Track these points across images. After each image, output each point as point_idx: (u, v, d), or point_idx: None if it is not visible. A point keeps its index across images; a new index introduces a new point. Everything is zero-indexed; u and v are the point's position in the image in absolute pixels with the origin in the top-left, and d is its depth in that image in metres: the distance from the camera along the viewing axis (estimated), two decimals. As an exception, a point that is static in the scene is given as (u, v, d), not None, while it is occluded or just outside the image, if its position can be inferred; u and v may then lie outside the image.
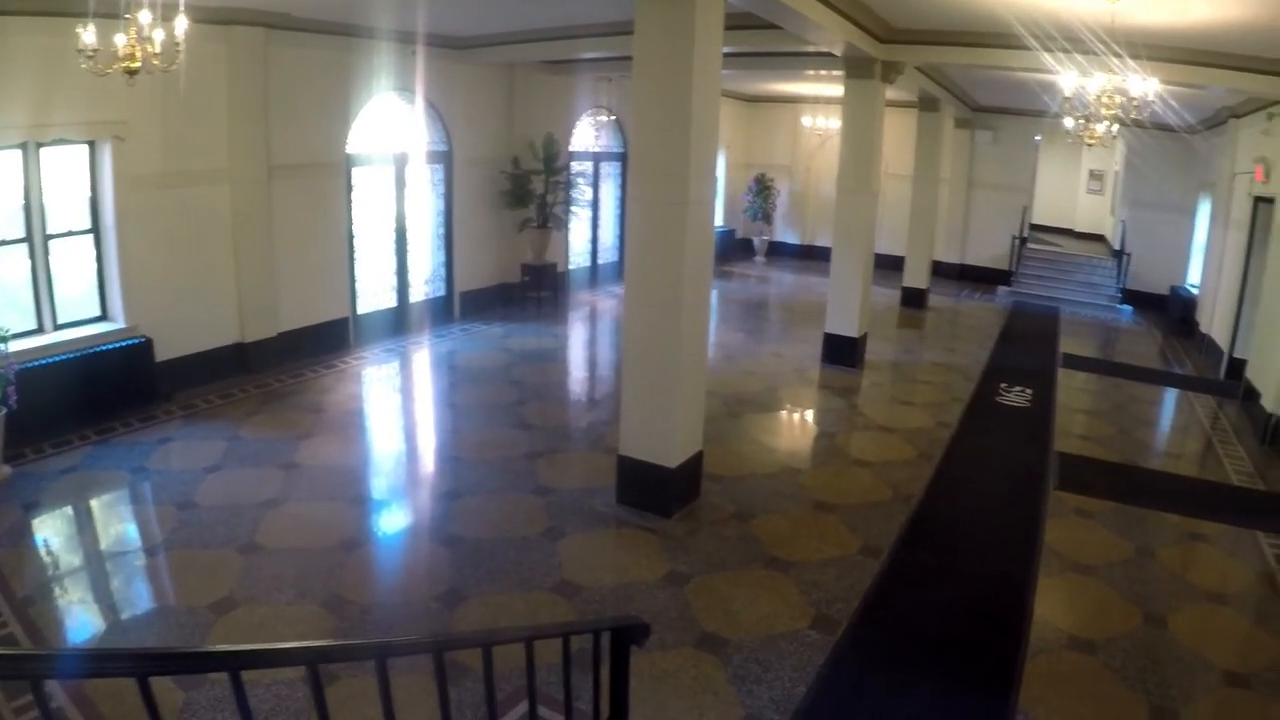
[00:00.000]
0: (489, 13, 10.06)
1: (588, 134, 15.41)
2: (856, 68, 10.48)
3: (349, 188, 10.75)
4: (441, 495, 6.86)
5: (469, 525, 6.19)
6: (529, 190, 12.83)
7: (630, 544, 6.08)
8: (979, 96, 17.77)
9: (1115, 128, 9.93)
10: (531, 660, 2.94)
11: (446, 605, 5.19)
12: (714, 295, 15.89)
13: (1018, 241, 19.53)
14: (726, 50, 10.82)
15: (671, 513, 6.37)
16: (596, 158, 15.58)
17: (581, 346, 12.20)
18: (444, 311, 12.37)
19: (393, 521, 6.55)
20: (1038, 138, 20.00)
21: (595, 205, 15.67)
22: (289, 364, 9.85)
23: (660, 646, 4.77)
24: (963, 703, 4.66)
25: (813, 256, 20.11)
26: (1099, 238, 23.59)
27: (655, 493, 6.37)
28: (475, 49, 11.64)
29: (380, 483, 7.17)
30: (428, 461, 7.67)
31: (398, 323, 11.59)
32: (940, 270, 18.98)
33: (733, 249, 20.69)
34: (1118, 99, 8.19)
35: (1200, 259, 16.20)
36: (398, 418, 8.80)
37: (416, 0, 9.07)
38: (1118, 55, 7.76)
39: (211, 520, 6.22)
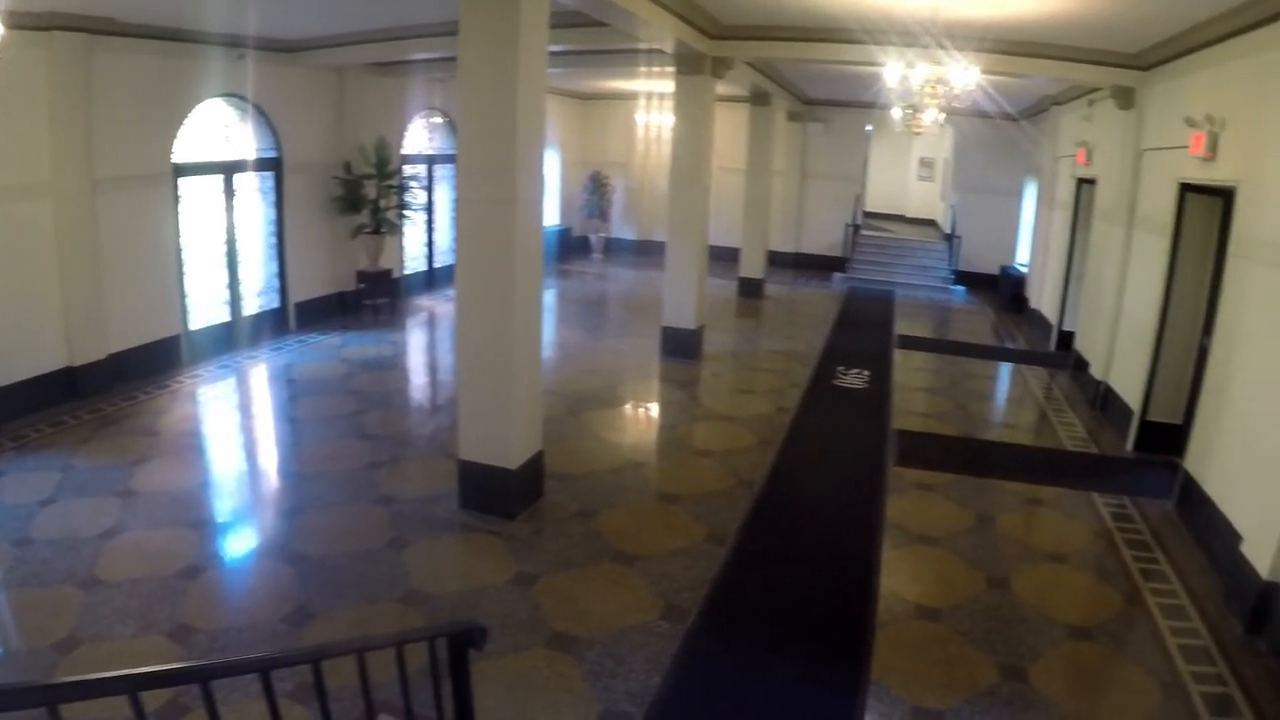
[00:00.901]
0: (318, 14, 9.91)
1: (421, 136, 15.37)
2: (687, 64, 10.86)
3: (176, 198, 10.40)
4: (284, 512, 6.73)
5: (313, 541, 6.16)
6: (362, 195, 12.76)
7: (476, 548, 6.19)
8: (810, 90, 18.62)
9: (942, 117, 10.50)
10: (364, 673, 2.93)
11: (295, 625, 5.16)
12: (552, 294, 16.20)
13: (851, 229, 20.62)
14: (556, 48, 10.91)
15: (516, 514, 6.54)
16: (430, 160, 15.47)
17: (420, 352, 12.12)
18: (279, 323, 12.10)
19: (236, 544, 6.36)
20: (869, 128, 21.11)
21: (430, 208, 15.52)
22: (121, 386, 9.42)
23: (513, 649, 4.89)
24: (816, 678, 4.87)
25: (650, 252, 20.46)
26: (931, 222, 25.09)
27: (498, 495, 6.54)
28: (305, 51, 11.47)
29: (221, 504, 6.92)
30: (268, 479, 7.51)
31: (232, 337, 11.25)
32: (776, 260, 19.89)
33: (570, 247, 20.95)
34: (940, 89, 8.64)
35: (1028, 239, 17.58)
36: (236, 436, 8.50)
37: (244, 2, 8.78)
38: (942, 47, 8.17)
39: (49, 555, 5.89)
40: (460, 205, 6.42)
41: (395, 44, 10.86)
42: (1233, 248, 7.27)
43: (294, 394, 9.56)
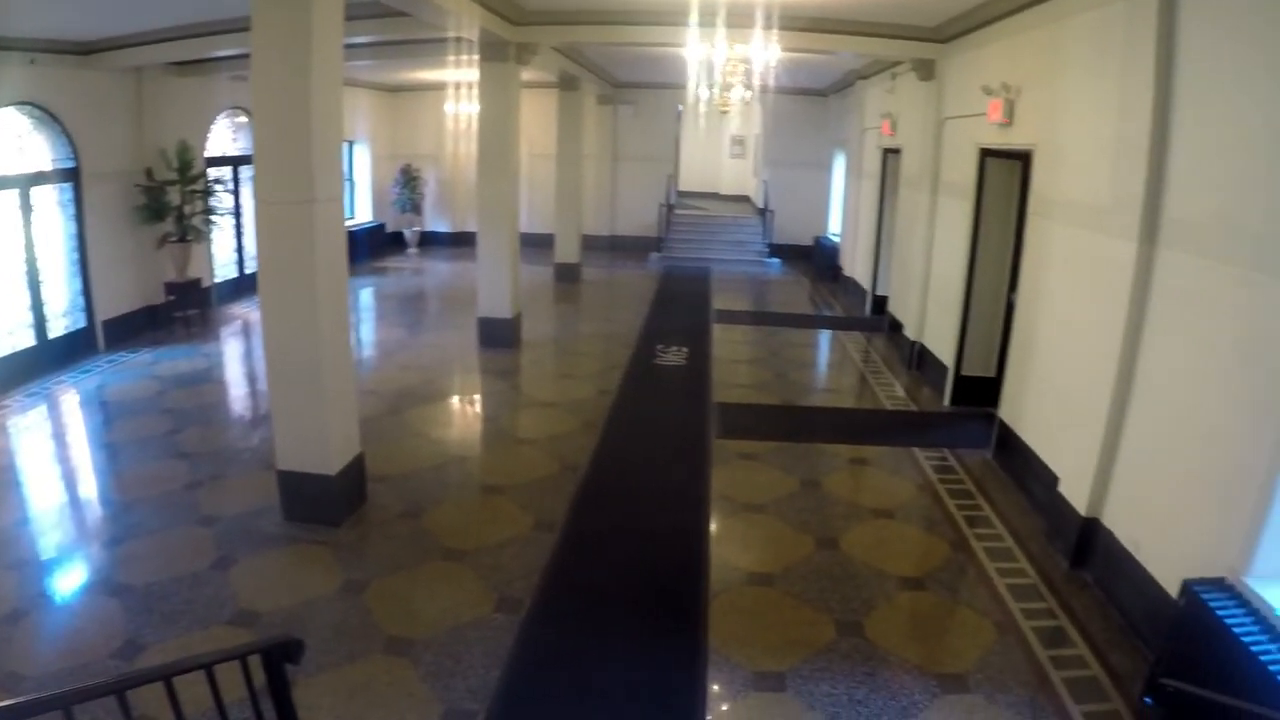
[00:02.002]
0: (112, 12, 9.20)
1: (225, 137, 14.39)
2: (491, 51, 10.74)
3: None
4: (105, 543, 6.17)
5: (136, 570, 5.73)
6: (165, 202, 11.91)
7: (303, 560, 5.92)
8: (619, 73, 18.71)
9: (749, 95, 10.64)
10: (175, 700, 2.82)
11: (126, 659, 4.80)
12: (368, 292, 15.65)
13: (665, 209, 20.79)
14: (359, 40, 10.58)
15: (341, 521, 6.38)
16: (235, 162, 14.48)
17: (236, 363, 11.34)
18: (88, 344, 11.13)
19: (57, 581, 5.75)
20: (679, 109, 21.30)
21: (238, 212, 14.55)
22: (-81, 425, 8.43)
23: (348, 659, 4.77)
24: (655, 654, 4.88)
25: (466, 243, 20.05)
26: (745, 198, 25.65)
27: (320, 503, 6.37)
28: (100, 53, 10.59)
29: (38, 541, 6.25)
30: (87, 509, 6.85)
31: (37, 363, 10.21)
32: (592, 243, 19.95)
33: (384, 244, 20.28)
34: (743, 68, 8.70)
35: (839, 210, 18.22)
36: (49, 467, 7.69)
37: (28, 2, 8.02)
38: (746, 27, 8.22)
39: None
40: (259, 207, 6.13)
41: (194, 42, 10.26)
42: (1031, 207, 7.64)
43: (107, 417, 8.85)
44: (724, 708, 4.51)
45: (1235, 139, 4.64)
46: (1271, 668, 3.53)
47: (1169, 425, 5.09)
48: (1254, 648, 3.66)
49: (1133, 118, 5.51)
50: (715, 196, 26.59)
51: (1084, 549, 5.86)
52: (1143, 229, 5.36)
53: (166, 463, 7.49)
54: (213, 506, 6.65)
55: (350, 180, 19.42)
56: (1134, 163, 5.45)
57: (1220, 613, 3.93)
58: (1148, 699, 2.96)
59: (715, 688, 4.61)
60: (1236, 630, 3.78)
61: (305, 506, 6.37)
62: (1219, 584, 4.19)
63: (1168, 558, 4.91)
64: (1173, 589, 4.42)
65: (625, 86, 20.33)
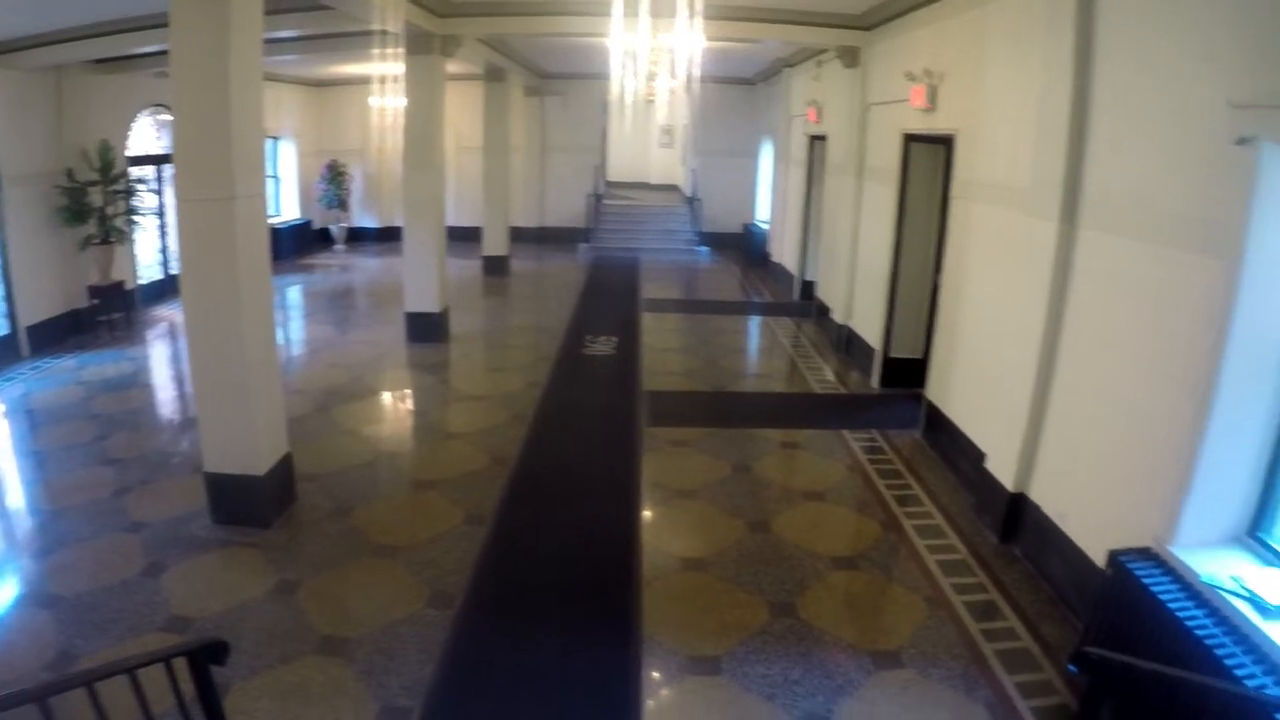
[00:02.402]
0: (30, 9, 8.88)
1: (148, 136, 13.83)
2: (416, 43, 10.56)
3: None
4: (34, 554, 5.91)
5: (66, 581, 5.51)
6: (87, 204, 11.49)
7: (234, 563, 5.76)
8: (546, 64, 18.55)
9: (675, 84, 10.58)
10: (98, 704, 2.76)
11: (58, 671, 4.61)
12: (296, 290, 15.27)
13: (594, 200, 20.69)
14: (282, 34, 10.37)
15: (271, 522, 6.25)
16: (159, 161, 13.94)
17: (163, 366, 10.94)
18: (10, 351, 10.69)
19: None
20: (607, 99, 21.10)
21: (161, 212, 14.05)
22: None
23: (281, 661, 4.66)
24: (589, 643, 4.81)
25: (393, 238, 19.57)
26: (674, 188, 25.62)
27: (250, 505, 6.24)
28: (16, 52, 10.17)
29: None
30: (13, 521, 6.54)
31: None
32: (521, 235, 19.83)
33: (311, 240, 19.77)
34: (667, 57, 8.63)
35: (767, 197, 18.28)
36: None
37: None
38: (672, 15, 8.14)
39: None
40: (180, 205, 5.97)
41: (115, 38, 9.92)
42: (954, 190, 7.71)
43: (32, 425, 8.50)
44: (660, 693, 4.45)
45: (1149, 120, 4.69)
46: (1198, 632, 3.56)
47: (1092, 400, 5.15)
48: (1180, 614, 3.69)
49: (1053, 101, 5.56)
50: (644, 186, 26.53)
51: (1012, 523, 5.92)
52: (1063, 209, 5.41)
53: (94, 469, 7.23)
54: (142, 512, 6.42)
55: (276, 177, 18.97)
56: (1054, 145, 5.50)
57: (1146, 580, 3.97)
58: (1072, 667, 2.97)
59: (651, 674, 4.55)
60: (1162, 597, 3.82)
61: (234, 509, 6.23)
62: (1144, 553, 4.24)
63: (1094, 529, 4.97)
64: (1100, 560, 4.47)
65: (553, 78, 20.14)
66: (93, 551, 5.86)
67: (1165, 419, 4.36)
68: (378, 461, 7.52)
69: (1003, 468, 6.03)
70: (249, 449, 6.15)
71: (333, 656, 4.69)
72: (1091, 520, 5.05)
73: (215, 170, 5.69)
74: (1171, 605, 3.76)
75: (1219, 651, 3.45)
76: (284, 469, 6.53)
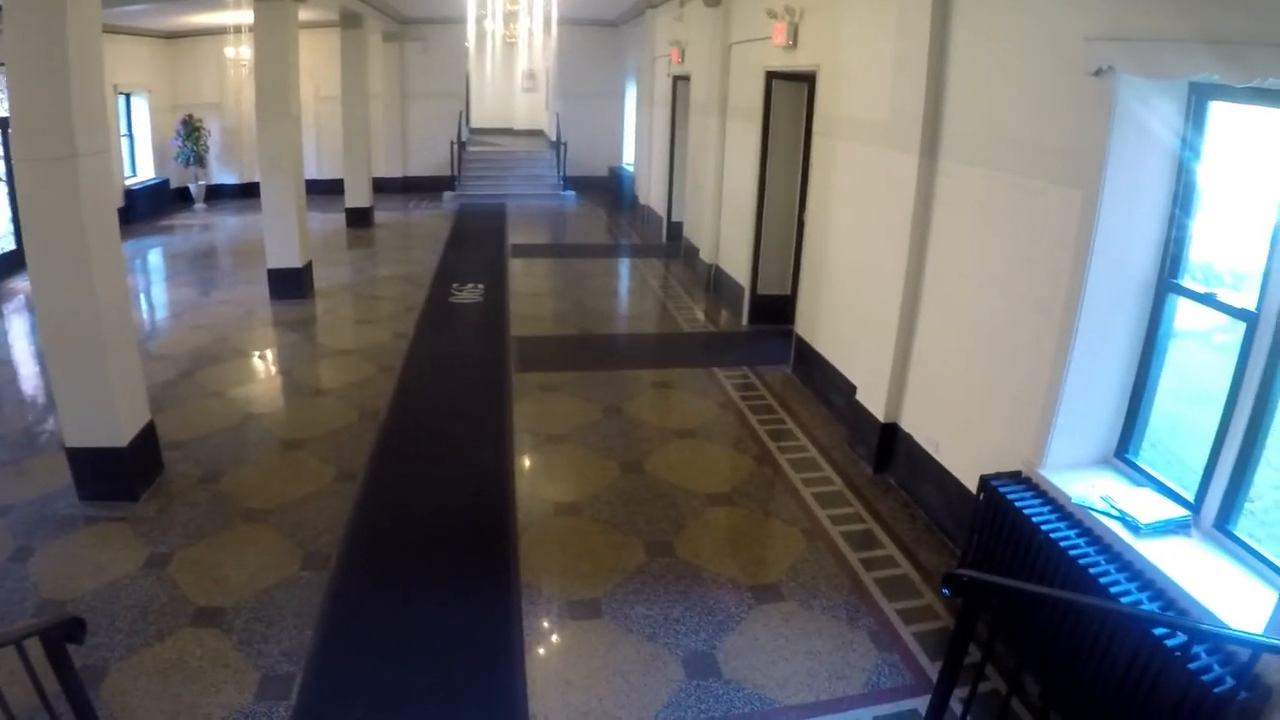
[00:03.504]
0: None
1: None
2: None
3: None
4: None
5: None
6: None
7: (103, 540, 5.34)
8: (405, 9, 17.76)
9: (537, 26, 10.21)
10: None
11: None
12: (156, 253, 14.26)
13: (458, 147, 20.00)
14: None
15: (138, 495, 5.85)
16: (5, 125, 12.60)
17: (22, 341, 9.96)
18: None
19: None
20: (468, 43, 20.50)
21: (10, 179, 12.75)
22: None
23: (158, 637, 4.39)
24: (468, 594, 4.64)
25: (254, 194, 18.44)
26: (539, 133, 25.14)
27: (115, 478, 5.86)
28: None
29: None
30: None
31: None
32: (385, 186, 19.08)
33: (168, 200, 18.35)
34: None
35: (633, 139, 18.03)
36: None
37: None
38: None
39: None
40: (17, 166, 5.44)
41: None
42: (816, 127, 7.60)
43: None
44: (542, 641, 4.26)
45: (1008, 53, 4.62)
46: (1071, 553, 3.54)
47: (958, 330, 5.11)
48: (1053, 534, 3.67)
49: (911, 35, 5.45)
50: (509, 133, 25.97)
51: (886, 454, 5.90)
52: (924, 143, 5.33)
53: None
54: (5, 495, 5.90)
55: (129, 135, 17.59)
56: (913, 79, 5.41)
57: (1017, 503, 3.95)
58: (945, 590, 2.91)
59: (531, 621, 4.36)
60: (1034, 519, 3.80)
61: (99, 483, 5.83)
62: (1015, 477, 4.23)
63: (966, 456, 4.96)
64: (973, 485, 4.44)
65: (412, 23, 19.30)
66: None
67: (1030, 346, 4.34)
68: (245, 424, 7.06)
69: (873, 399, 5.99)
70: (108, 420, 5.74)
71: (209, 628, 4.41)
72: (963, 448, 5.04)
73: (54, 127, 5.20)
74: (1044, 527, 3.74)
75: (1093, 570, 3.43)
76: (147, 438, 6.11)
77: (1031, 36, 4.41)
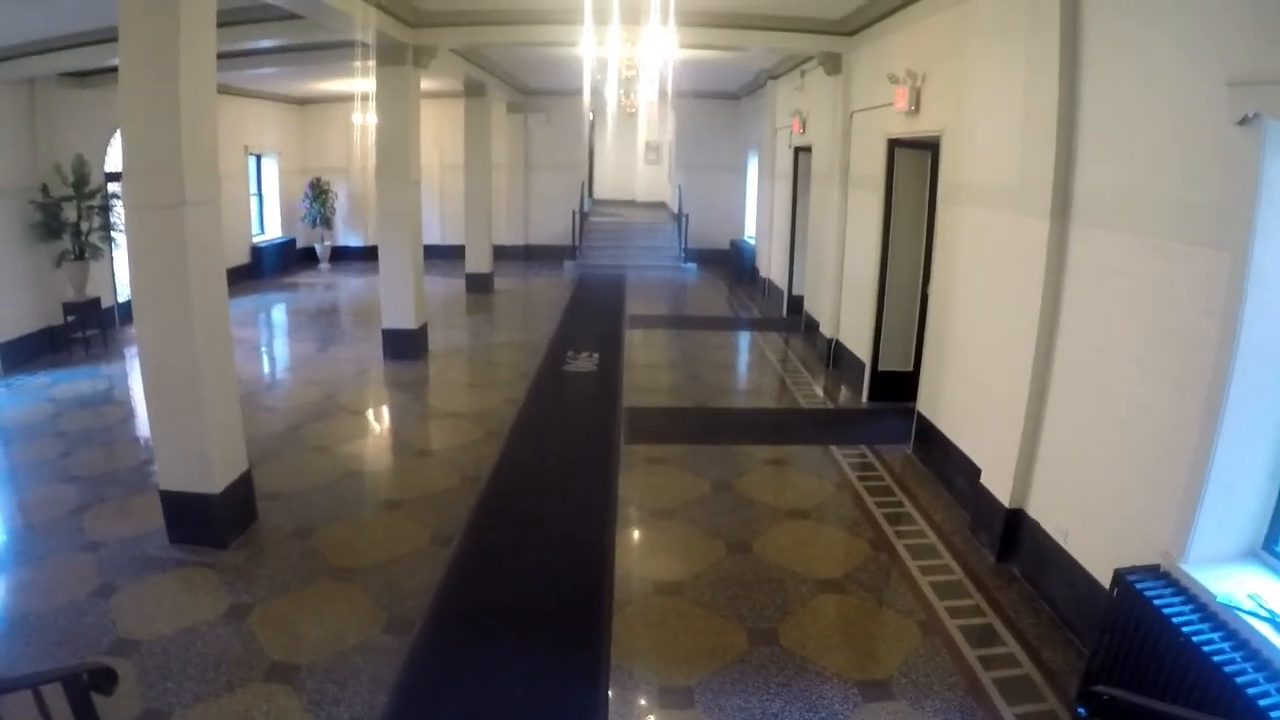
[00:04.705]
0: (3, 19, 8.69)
1: None
2: (389, 55, 10.35)
3: None
4: None
5: (15, 601, 5.32)
6: (62, 219, 11.37)
7: (188, 584, 5.49)
8: (528, 79, 18.41)
9: (655, 96, 10.42)
10: None
11: None
12: (278, 308, 15.11)
13: (579, 216, 20.48)
14: (256, 45, 10.29)
15: (228, 542, 5.99)
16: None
17: (137, 383, 10.68)
18: None
19: None
20: (590, 116, 21.05)
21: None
22: None
23: (227, 688, 4.40)
24: (555, 672, 4.52)
25: (377, 257, 19.56)
26: (660, 205, 25.47)
27: (206, 524, 5.98)
28: None
29: None
30: None
31: None
32: (505, 254, 19.69)
33: (294, 259, 19.60)
34: (642, 65, 8.45)
35: (754, 212, 18.09)
36: None
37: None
38: (650, 23, 7.94)
39: None
40: (127, 213, 5.71)
41: (87, 50, 9.75)
42: (941, 194, 7.45)
43: None
44: (628, 729, 4.11)
45: (1142, 107, 4.41)
46: (1215, 657, 3.23)
47: (1092, 407, 4.82)
48: (1194, 637, 3.36)
49: (1039, 93, 5.31)
50: (631, 204, 26.42)
51: (1010, 541, 5.58)
52: (1054, 206, 5.13)
53: (55, 487, 6.99)
54: (99, 531, 6.17)
55: (259, 195, 18.85)
56: (1043, 139, 5.23)
57: (1155, 600, 3.64)
58: (1081, 710, 2.62)
59: (619, 706, 4.21)
60: (1174, 619, 3.50)
61: (190, 528, 5.95)
62: (1153, 571, 3.91)
63: (1098, 546, 4.64)
64: (1105, 579, 4.13)
65: (536, 94, 20.05)
66: (43, 571, 5.63)
67: (1172, 426, 4.04)
68: (344, 480, 7.21)
69: (999, 482, 5.70)
70: (204, 465, 5.88)
71: (281, 684, 4.42)
72: (1095, 537, 4.72)
73: (164, 174, 5.42)
74: (1185, 628, 3.43)
75: (1240, 680, 3.11)
76: (243, 487, 6.25)
77: (1167, 85, 4.21)
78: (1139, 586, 3.77)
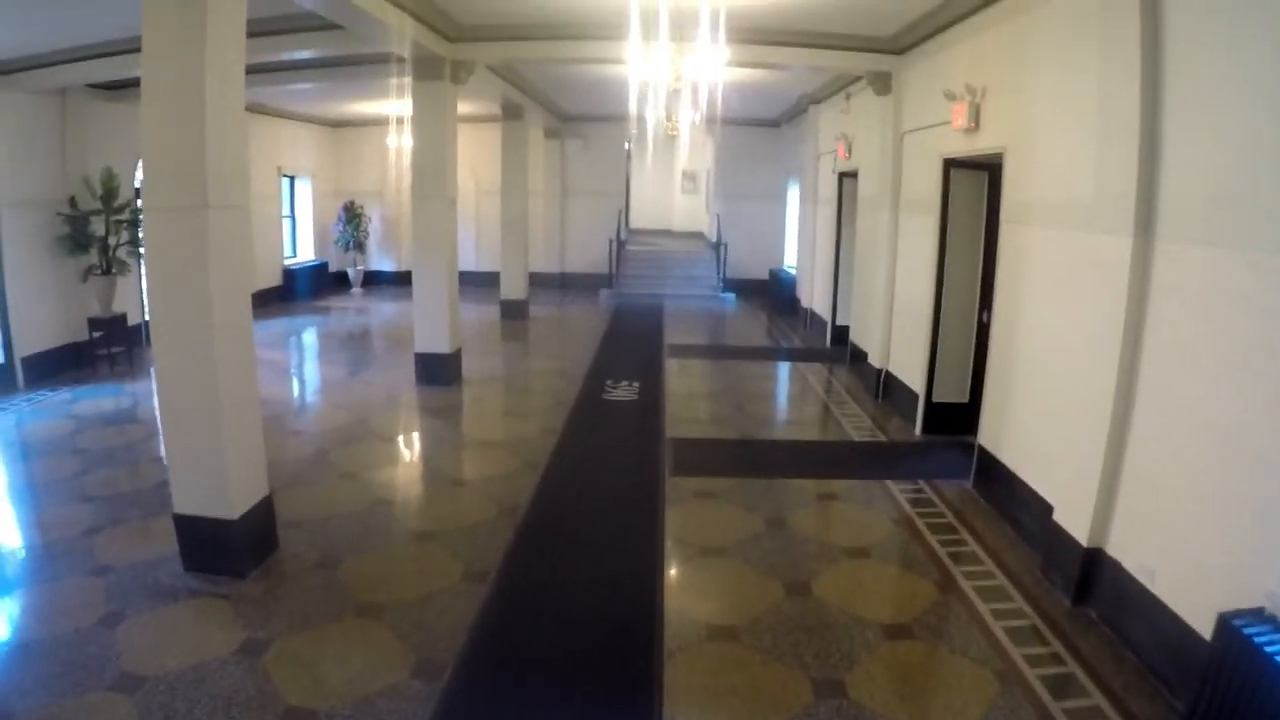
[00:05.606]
0: (27, 27, 8.81)
1: None
2: (425, 69, 10.33)
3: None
4: None
5: (16, 626, 5.17)
6: (89, 233, 11.43)
7: (200, 616, 5.28)
8: (566, 104, 18.45)
9: (697, 118, 10.32)
10: None
11: None
12: (310, 332, 15.19)
13: (616, 244, 20.45)
14: (290, 56, 10.36)
15: (246, 572, 5.76)
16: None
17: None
18: (6, 382, 10.64)
19: None
20: (628, 144, 21.11)
21: None
22: None
23: None
24: None
25: (410, 282, 19.65)
26: (698, 234, 25.48)
27: (223, 551, 5.75)
28: (18, 73, 10.14)
29: None
30: None
31: None
32: (541, 280, 19.67)
33: (327, 282, 19.81)
34: (689, 84, 8.37)
35: (795, 241, 17.91)
36: None
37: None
38: (692, 40, 7.85)
39: None
40: (146, 216, 5.48)
41: (118, 60, 9.75)
42: (1004, 214, 7.20)
43: (12, 459, 8.27)
44: (683, 788, 3.85)
45: (1237, 105, 4.17)
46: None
47: (1181, 436, 4.54)
48: (1321, 692, 3.09)
49: (1118, 100, 5.07)
50: (668, 234, 26.46)
51: (1087, 583, 5.27)
52: (1137, 221, 4.87)
53: (69, 506, 6.88)
54: (110, 555, 6.00)
55: (292, 217, 19.08)
56: (1123, 149, 4.99)
57: (1269, 649, 3.36)
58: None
59: (672, 764, 3.95)
60: (1292, 671, 3.21)
61: (206, 555, 5.73)
62: (1258, 615, 3.62)
63: (1189, 587, 4.34)
64: (1197, 623, 3.87)
65: (573, 120, 20.14)
66: (49, 595, 5.47)
67: (1273, 451, 3.77)
68: (373, 509, 7.01)
69: (1074, 519, 5.40)
70: (221, 489, 5.66)
71: (298, 732, 4.17)
72: (1185, 577, 4.42)
73: (185, 173, 5.20)
74: (1306, 680, 3.15)
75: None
76: (263, 513, 6.03)
77: (1267, 82, 3.95)
78: (1247, 632, 3.49)
